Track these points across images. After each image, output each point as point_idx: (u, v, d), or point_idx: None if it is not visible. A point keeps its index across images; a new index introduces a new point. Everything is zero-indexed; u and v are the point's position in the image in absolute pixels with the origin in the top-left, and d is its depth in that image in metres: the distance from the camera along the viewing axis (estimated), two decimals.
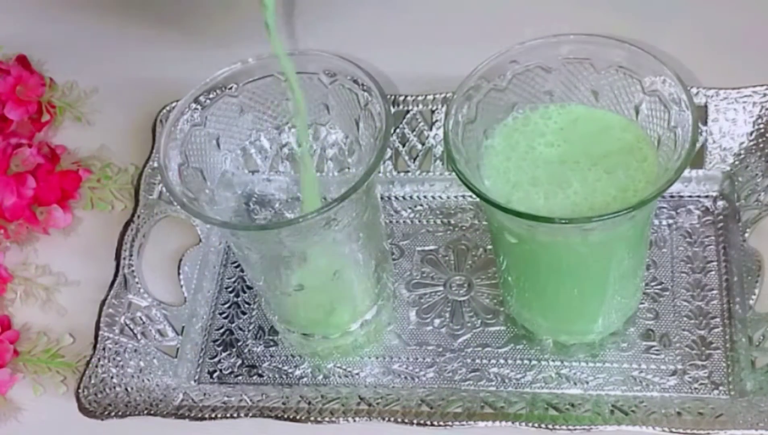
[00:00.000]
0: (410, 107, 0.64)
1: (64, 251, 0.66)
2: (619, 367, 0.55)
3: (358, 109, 0.53)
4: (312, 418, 0.53)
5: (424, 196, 0.65)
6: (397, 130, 0.64)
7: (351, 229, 0.52)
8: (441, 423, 0.52)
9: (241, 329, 0.61)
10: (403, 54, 0.70)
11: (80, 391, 0.55)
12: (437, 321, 0.59)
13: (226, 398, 0.55)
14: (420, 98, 0.64)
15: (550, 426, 0.50)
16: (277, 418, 0.53)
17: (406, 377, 0.57)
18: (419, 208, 0.64)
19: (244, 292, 0.62)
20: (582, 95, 0.51)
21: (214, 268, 0.64)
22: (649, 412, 0.51)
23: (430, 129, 0.64)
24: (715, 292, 0.57)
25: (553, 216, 0.45)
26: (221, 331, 0.61)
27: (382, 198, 0.64)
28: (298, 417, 0.53)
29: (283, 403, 0.54)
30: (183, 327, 0.60)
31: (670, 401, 0.53)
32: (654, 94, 0.49)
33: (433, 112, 0.64)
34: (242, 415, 0.53)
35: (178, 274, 0.62)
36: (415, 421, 0.52)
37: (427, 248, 0.62)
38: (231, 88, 0.54)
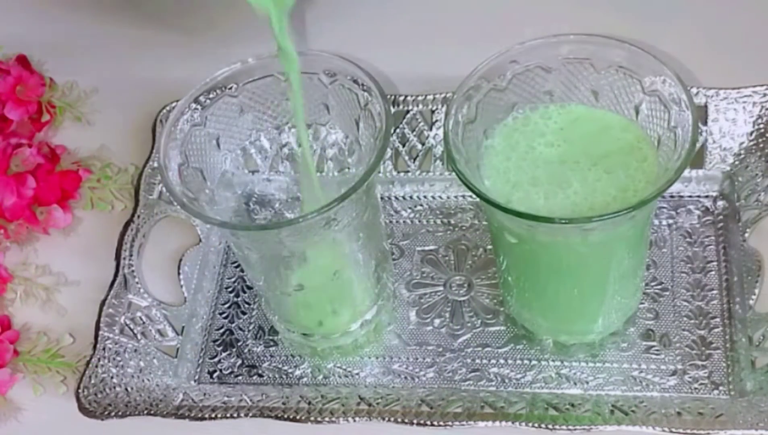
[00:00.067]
0: (410, 107, 0.64)
1: (64, 251, 0.66)
2: (619, 367, 0.55)
3: (358, 109, 0.53)
4: (312, 418, 0.53)
5: (424, 196, 0.65)
6: (397, 130, 0.64)
7: (351, 229, 0.52)
8: (441, 423, 0.52)
9: (241, 329, 0.61)
10: (403, 54, 0.70)
11: (80, 391, 0.55)
12: (437, 321, 0.59)
13: (226, 398, 0.55)
14: (420, 98, 0.64)
15: (550, 426, 0.50)
16: (277, 418, 0.53)
17: (406, 377, 0.57)
18: (419, 208, 0.64)
19: (244, 292, 0.62)
20: (582, 95, 0.51)
21: (214, 268, 0.64)
22: (649, 412, 0.51)
23: (430, 129, 0.64)
24: (715, 292, 0.57)
25: (553, 216, 0.45)
26: (221, 331, 0.61)
27: (382, 198, 0.64)
28: (298, 417, 0.53)
29: (283, 403, 0.54)
30: (183, 327, 0.60)
31: (670, 401, 0.53)
32: (654, 94, 0.49)
33: (433, 112, 0.64)
34: (242, 415, 0.53)
35: (178, 274, 0.62)
36: (415, 421, 0.52)
37: (427, 248, 0.62)
38: (231, 88, 0.54)
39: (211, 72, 0.53)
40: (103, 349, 0.57)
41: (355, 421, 0.53)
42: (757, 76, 0.60)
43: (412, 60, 0.70)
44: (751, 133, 0.60)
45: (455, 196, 0.64)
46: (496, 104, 0.51)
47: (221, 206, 0.54)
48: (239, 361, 0.59)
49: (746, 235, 0.58)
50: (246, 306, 0.62)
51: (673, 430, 0.49)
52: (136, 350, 0.58)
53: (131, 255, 0.61)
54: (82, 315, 0.60)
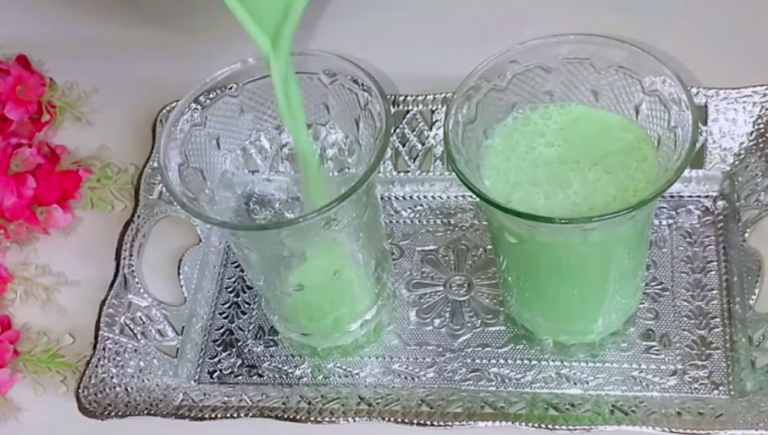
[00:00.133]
0: (410, 107, 0.64)
1: (64, 251, 0.66)
2: (619, 367, 0.55)
3: (358, 109, 0.53)
4: (312, 418, 0.53)
5: (424, 196, 0.65)
6: (397, 130, 0.64)
7: (351, 229, 0.52)
8: (441, 423, 0.52)
9: (241, 329, 0.61)
10: (403, 54, 0.70)
11: (80, 391, 0.55)
12: (437, 321, 0.59)
13: (226, 398, 0.55)
14: (420, 98, 0.64)
15: (550, 426, 0.50)
16: (277, 418, 0.53)
17: (406, 377, 0.57)
18: (419, 208, 0.64)
19: (244, 292, 0.62)
20: (582, 95, 0.51)
21: (214, 268, 0.64)
22: (649, 412, 0.51)
23: (430, 129, 0.64)
24: (715, 292, 0.57)
25: (553, 216, 0.45)
26: (221, 331, 0.61)
27: (382, 198, 0.64)
28: (298, 417, 0.53)
29: (283, 403, 0.54)
30: (183, 327, 0.61)
31: (670, 401, 0.53)
32: (654, 94, 0.49)
33: (433, 112, 0.64)
34: (242, 415, 0.53)
35: (178, 274, 0.62)
36: (415, 421, 0.52)
37: (427, 248, 0.62)
38: (231, 88, 0.53)
39: (211, 72, 0.53)
40: (103, 349, 0.57)
41: (355, 421, 0.53)
42: (757, 76, 0.60)
43: (412, 60, 0.70)
44: (751, 133, 0.60)
45: (455, 196, 0.64)
46: (496, 104, 0.51)
47: (221, 206, 0.54)
48: (239, 361, 0.59)
49: (746, 235, 0.58)
50: (246, 306, 0.62)
51: (673, 430, 0.49)
52: (136, 350, 0.58)
53: (131, 255, 0.61)
54: (82, 315, 0.60)
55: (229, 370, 0.59)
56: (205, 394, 0.56)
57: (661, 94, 0.48)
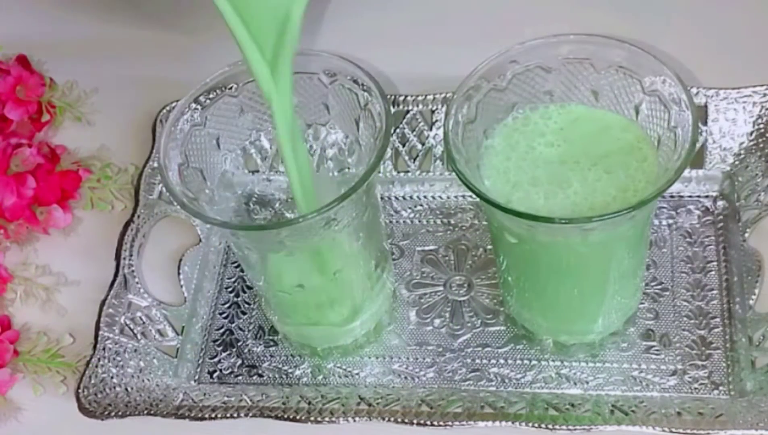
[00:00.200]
0: (410, 107, 0.64)
1: (64, 251, 0.66)
2: (619, 367, 0.55)
3: (358, 109, 0.53)
4: (312, 418, 0.53)
5: (424, 196, 0.65)
6: (397, 130, 0.64)
7: (351, 229, 0.52)
8: (441, 423, 0.52)
9: (241, 329, 0.61)
10: (403, 54, 0.70)
11: (80, 391, 0.55)
12: (437, 321, 0.59)
13: (226, 398, 0.55)
14: (420, 98, 0.64)
15: (550, 426, 0.50)
16: (277, 418, 0.53)
17: (406, 377, 0.57)
18: (419, 208, 0.64)
19: (244, 292, 0.62)
20: (582, 95, 0.51)
21: (214, 268, 0.64)
22: (649, 412, 0.51)
23: (430, 129, 0.64)
24: (715, 292, 0.57)
25: (553, 216, 0.45)
26: (221, 331, 0.61)
27: (382, 198, 0.64)
28: (298, 417, 0.53)
29: (283, 403, 0.54)
30: (183, 327, 0.61)
31: (670, 401, 0.53)
32: (654, 94, 0.49)
33: (433, 112, 0.64)
34: (242, 415, 0.53)
35: (178, 274, 0.62)
36: (415, 421, 0.52)
37: (427, 248, 0.62)
38: (231, 88, 0.53)
39: (211, 72, 0.53)
40: (103, 349, 0.57)
41: (355, 421, 0.53)
42: (757, 76, 0.60)
43: (412, 60, 0.70)
44: (751, 133, 0.60)
45: (455, 196, 0.64)
46: (496, 104, 0.51)
47: (221, 206, 0.54)
48: (239, 361, 0.59)
49: (746, 235, 0.58)
50: (246, 306, 0.62)
51: (673, 430, 0.49)
52: (136, 350, 0.58)
53: (131, 255, 0.61)
54: (82, 315, 0.60)
55: (229, 370, 0.59)
56: (205, 394, 0.56)
57: (661, 94, 0.48)
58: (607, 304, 0.53)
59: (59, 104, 0.72)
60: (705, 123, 0.60)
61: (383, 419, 0.52)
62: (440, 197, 0.64)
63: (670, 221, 0.60)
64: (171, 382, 0.58)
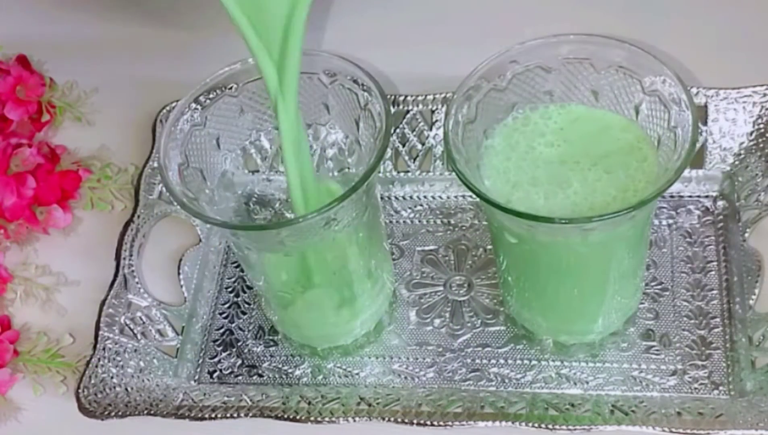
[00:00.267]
0: (410, 107, 0.64)
1: (64, 251, 0.66)
2: (619, 367, 0.55)
3: (358, 109, 0.53)
4: (312, 418, 0.53)
5: (424, 196, 0.65)
6: (397, 130, 0.64)
7: (351, 229, 0.52)
8: (441, 423, 0.52)
9: (241, 329, 0.61)
10: (403, 54, 0.70)
11: (80, 391, 0.55)
12: (437, 321, 0.59)
13: (226, 398, 0.55)
14: (420, 98, 0.64)
15: (550, 426, 0.50)
16: (277, 418, 0.53)
17: (406, 377, 0.57)
18: (419, 208, 0.64)
19: (244, 292, 0.62)
20: (582, 95, 0.51)
21: (214, 268, 0.64)
22: (649, 412, 0.51)
23: (430, 129, 0.64)
24: (715, 292, 0.57)
25: (553, 216, 0.45)
26: (221, 331, 0.61)
27: (382, 198, 0.64)
28: (298, 417, 0.53)
29: (283, 403, 0.54)
30: (183, 327, 0.61)
31: (670, 401, 0.53)
32: (654, 94, 0.49)
33: (433, 112, 0.64)
34: (242, 415, 0.53)
35: (178, 274, 0.62)
36: (415, 421, 0.52)
37: (427, 248, 0.62)
38: (231, 88, 0.53)
39: (211, 72, 0.53)
40: (103, 349, 0.57)
41: (355, 421, 0.53)
42: (757, 76, 0.60)
43: (412, 60, 0.70)
44: (751, 133, 0.60)
45: (455, 196, 0.64)
46: (496, 104, 0.51)
47: (221, 206, 0.54)
48: (239, 361, 0.59)
49: (746, 235, 0.58)
50: (246, 306, 0.62)
51: (673, 430, 0.49)
52: (136, 350, 0.58)
53: (131, 255, 0.61)
54: (82, 315, 0.60)
55: (229, 370, 0.59)
56: (205, 394, 0.56)
57: (661, 94, 0.48)
58: (607, 304, 0.53)
59: (59, 104, 0.72)
60: (705, 123, 0.60)
61: (383, 419, 0.52)
62: (440, 197, 0.64)
63: (670, 221, 0.60)
64: (171, 382, 0.58)
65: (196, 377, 0.59)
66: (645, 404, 0.52)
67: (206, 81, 0.53)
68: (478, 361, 0.57)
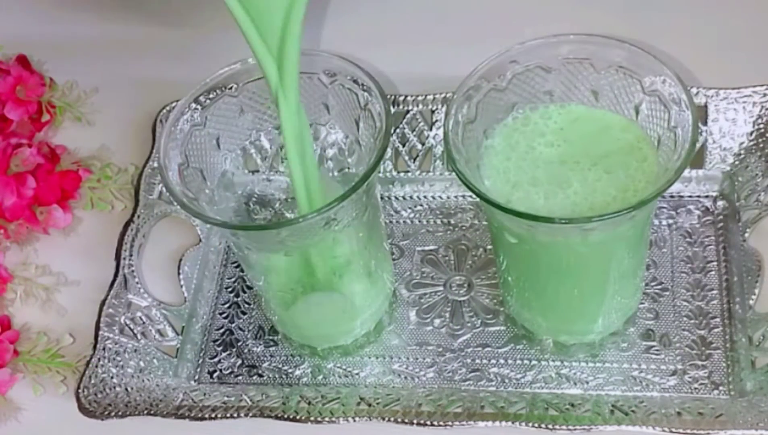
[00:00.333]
0: (410, 107, 0.64)
1: (64, 251, 0.66)
2: (619, 367, 0.55)
3: (358, 109, 0.53)
4: (312, 418, 0.53)
5: (424, 196, 0.65)
6: (397, 130, 0.64)
7: (351, 229, 0.52)
8: (441, 423, 0.52)
9: (241, 329, 0.61)
10: (403, 54, 0.70)
11: (80, 391, 0.55)
12: (437, 321, 0.59)
13: (226, 398, 0.55)
14: (420, 98, 0.64)
15: (550, 426, 0.50)
16: (277, 418, 0.53)
17: (406, 377, 0.57)
18: (419, 208, 0.64)
19: (244, 292, 0.62)
20: (582, 95, 0.51)
21: (214, 268, 0.64)
22: (649, 412, 0.51)
23: (430, 129, 0.64)
24: (715, 292, 0.57)
25: (553, 216, 0.45)
26: (221, 331, 0.61)
27: (382, 198, 0.64)
28: (298, 417, 0.53)
29: (283, 403, 0.54)
30: (183, 327, 0.61)
31: (670, 401, 0.53)
32: (654, 94, 0.49)
33: (433, 112, 0.64)
34: (242, 415, 0.53)
35: (178, 274, 0.62)
36: (415, 421, 0.52)
37: (427, 248, 0.62)
38: (231, 88, 0.53)
39: (211, 72, 0.53)
40: (103, 349, 0.57)
41: (355, 421, 0.53)
42: (757, 76, 0.60)
43: (412, 60, 0.70)
44: (751, 133, 0.60)
45: (455, 196, 0.64)
46: (496, 104, 0.51)
47: (221, 206, 0.54)
48: (239, 361, 0.59)
49: (746, 235, 0.58)
50: (246, 306, 0.62)
51: (673, 430, 0.49)
52: (136, 350, 0.58)
53: (131, 255, 0.61)
54: (82, 315, 0.60)
55: (229, 370, 0.59)
56: (205, 394, 0.56)
57: (661, 94, 0.48)
58: (607, 304, 0.53)
59: (59, 104, 0.72)
60: (705, 123, 0.60)
61: (383, 419, 0.52)
62: (440, 197, 0.64)
63: (670, 221, 0.60)
64: (171, 382, 0.58)
65: (196, 377, 0.59)
66: (645, 404, 0.52)
67: (206, 81, 0.53)
68: (478, 361, 0.57)
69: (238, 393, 0.56)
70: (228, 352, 0.60)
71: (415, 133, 0.64)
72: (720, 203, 0.60)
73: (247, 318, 0.61)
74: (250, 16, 0.46)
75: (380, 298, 0.57)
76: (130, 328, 0.59)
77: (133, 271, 0.61)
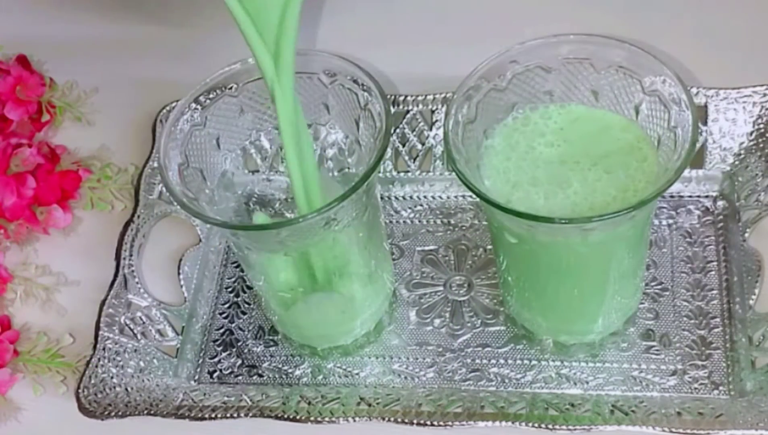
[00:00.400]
0: (410, 107, 0.64)
1: (64, 251, 0.66)
2: (619, 367, 0.55)
3: (358, 109, 0.53)
4: (312, 418, 0.53)
5: (424, 196, 0.65)
6: (397, 130, 0.64)
7: (351, 229, 0.52)
8: (441, 423, 0.52)
9: (241, 329, 0.61)
10: (403, 54, 0.70)
11: (80, 391, 0.55)
12: (437, 321, 0.59)
13: (226, 398, 0.55)
14: (420, 98, 0.64)
15: (550, 426, 0.50)
16: (277, 418, 0.53)
17: (406, 377, 0.57)
18: (419, 208, 0.64)
19: (244, 292, 0.62)
20: (582, 95, 0.51)
21: (214, 268, 0.64)
22: (649, 412, 0.51)
23: (430, 129, 0.64)
24: (715, 292, 0.57)
25: (553, 216, 0.45)
26: (221, 331, 0.61)
27: (382, 198, 0.64)
28: (298, 417, 0.53)
29: (283, 403, 0.54)
30: (183, 327, 0.61)
31: (670, 401, 0.53)
32: (654, 94, 0.49)
33: (433, 112, 0.64)
34: (242, 415, 0.53)
35: (178, 274, 0.62)
36: (415, 421, 0.52)
37: (427, 248, 0.62)
38: (231, 88, 0.54)
39: (211, 72, 0.53)
40: (103, 349, 0.57)
41: (355, 421, 0.53)
42: (757, 76, 0.60)
43: (412, 60, 0.70)
44: (751, 133, 0.60)
45: (455, 196, 0.64)
46: (496, 104, 0.51)
47: (221, 206, 0.54)
48: (239, 361, 0.59)
49: (746, 235, 0.58)
50: (246, 306, 0.62)
51: (673, 430, 0.49)
52: (136, 350, 0.58)
53: (131, 255, 0.61)
54: (82, 315, 0.60)
55: (229, 370, 0.59)
56: (205, 394, 0.56)
57: (661, 94, 0.48)
58: (607, 304, 0.53)
59: (59, 104, 0.72)
60: (705, 123, 0.60)
61: (383, 419, 0.52)
62: (440, 197, 0.64)
63: (670, 221, 0.60)
64: (171, 382, 0.58)
65: (196, 377, 0.59)
66: (645, 404, 0.52)
67: (206, 81, 0.53)
68: (478, 361, 0.57)
69: (238, 393, 0.56)
70: (228, 352, 0.60)
71: (415, 133, 0.64)
72: (720, 203, 0.60)
73: (247, 318, 0.61)
74: (246, 11, 0.46)
75: (380, 298, 0.57)
76: (130, 328, 0.59)
77: (133, 271, 0.61)
